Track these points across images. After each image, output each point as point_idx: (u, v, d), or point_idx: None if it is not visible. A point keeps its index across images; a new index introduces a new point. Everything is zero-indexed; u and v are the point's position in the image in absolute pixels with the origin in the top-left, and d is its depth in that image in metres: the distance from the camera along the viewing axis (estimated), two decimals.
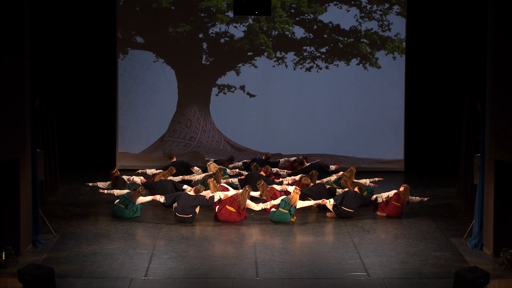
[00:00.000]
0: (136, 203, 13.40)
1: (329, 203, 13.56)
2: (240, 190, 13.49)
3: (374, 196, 13.83)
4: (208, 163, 15.35)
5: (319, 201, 13.62)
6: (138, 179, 14.57)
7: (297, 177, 14.81)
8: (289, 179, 14.85)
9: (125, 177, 14.52)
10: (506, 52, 11.07)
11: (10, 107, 11.03)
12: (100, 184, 14.38)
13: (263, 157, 16.36)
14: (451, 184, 16.03)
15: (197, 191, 13.39)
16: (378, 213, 13.78)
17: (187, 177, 15.05)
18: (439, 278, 10.45)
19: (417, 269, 10.83)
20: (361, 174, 15.91)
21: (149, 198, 13.57)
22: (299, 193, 13.35)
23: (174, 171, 14.72)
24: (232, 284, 10.23)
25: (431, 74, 17.90)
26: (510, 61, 11.03)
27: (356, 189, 13.84)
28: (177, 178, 14.75)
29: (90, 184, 14.55)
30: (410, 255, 11.43)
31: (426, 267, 10.88)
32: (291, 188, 13.92)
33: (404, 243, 12.09)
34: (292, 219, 13.26)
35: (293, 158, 16.57)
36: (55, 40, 17.38)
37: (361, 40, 17.95)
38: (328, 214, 13.71)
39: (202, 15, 17.91)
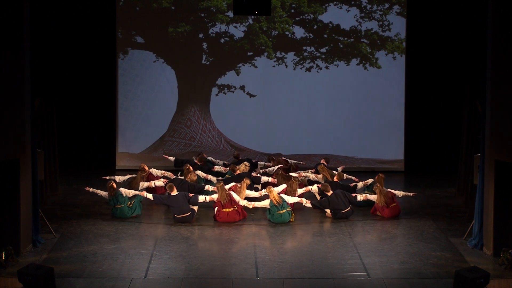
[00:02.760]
0: (124, 195, 13.40)
1: (305, 203, 13.52)
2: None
3: (354, 194, 13.78)
4: (244, 164, 15.33)
5: (302, 200, 13.55)
6: (160, 183, 14.46)
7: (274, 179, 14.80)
8: (270, 179, 14.79)
9: (145, 184, 14.37)
10: (506, 52, 11.07)
11: (10, 107, 11.03)
12: (117, 178, 14.51)
13: (234, 159, 16.39)
14: (451, 184, 16.02)
15: (170, 189, 13.36)
16: (378, 213, 13.77)
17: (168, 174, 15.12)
18: (439, 278, 10.46)
19: (417, 269, 10.83)
20: (361, 174, 15.92)
21: (132, 191, 13.58)
22: (272, 190, 13.29)
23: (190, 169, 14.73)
24: (232, 284, 10.23)
25: (431, 74, 17.89)
26: (510, 61, 11.03)
27: (335, 178, 14.20)
28: (159, 172, 15.03)
29: (108, 177, 14.58)
30: (410, 255, 11.43)
31: (426, 267, 10.88)
32: (315, 188, 14.06)
33: (404, 243, 12.09)
34: (291, 219, 13.27)
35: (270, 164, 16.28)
36: (55, 40, 17.38)
37: (361, 40, 17.94)
38: (327, 214, 13.71)
39: (202, 15, 17.91)
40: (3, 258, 10.63)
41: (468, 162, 14.43)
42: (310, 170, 15.50)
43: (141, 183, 14.34)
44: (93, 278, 10.34)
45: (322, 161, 15.83)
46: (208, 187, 14.12)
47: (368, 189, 14.49)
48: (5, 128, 10.93)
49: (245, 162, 15.41)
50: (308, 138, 18.06)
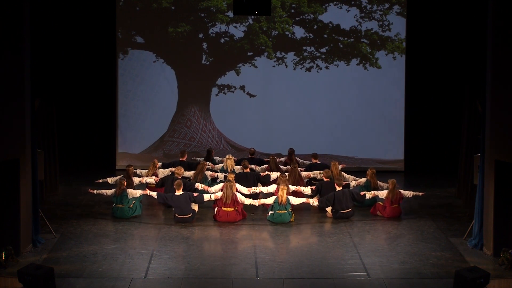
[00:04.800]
0: (129, 197, 13.40)
1: (312, 203, 13.50)
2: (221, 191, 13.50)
3: (363, 193, 13.78)
4: (227, 157, 15.30)
5: (308, 200, 13.52)
6: (151, 180, 14.50)
7: (277, 174, 14.73)
8: (278, 174, 14.75)
9: (136, 179, 14.45)
10: (506, 52, 11.07)
11: (10, 107, 11.04)
12: (110, 180, 14.47)
13: (248, 154, 16.34)
14: (451, 184, 16.03)
15: (178, 187, 13.35)
16: (378, 213, 13.77)
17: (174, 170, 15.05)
18: (439, 278, 10.46)
19: (417, 269, 10.84)
20: (361, 174, 15.90)
21: (139, 192, 13.56)
22: (285, 189, 13.31)
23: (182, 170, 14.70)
24: (232, 284, 10.24)
25: (431, 74, 17.90)
26: (510, 61, 11.03)
27: (322, 175, 14.37)
28: (166, 171, 14.92)
29: (101, 180, 14.55)
30: (410, 255, 11.43)
31: (426, 267, 10.89)
32: (307, 189, 13.98)
33: (404, 243, 12.10)
34: (292, 219, 13.26)
35: (282, 159, 16.38)
36: (55, 40, 17.39)
37: (361, 40, 17.94)
38: (328, 214, 13.71)
39: (202, 15, 17.91)
40: (3, 258, 10.63)
41: (468, 162, 14.43)
42: (300, 169, 15.48)
43: (134, 178, 14.35)
44: (93, 278, 10.34)
45: (312, 159, 15.81)
46: (206, 188, 14.07)
47: (366, 188, 14.44)
48: (5, 128, 10.93)
49: (228, 155, 15.36)
50: (308, 138, 18.06)
